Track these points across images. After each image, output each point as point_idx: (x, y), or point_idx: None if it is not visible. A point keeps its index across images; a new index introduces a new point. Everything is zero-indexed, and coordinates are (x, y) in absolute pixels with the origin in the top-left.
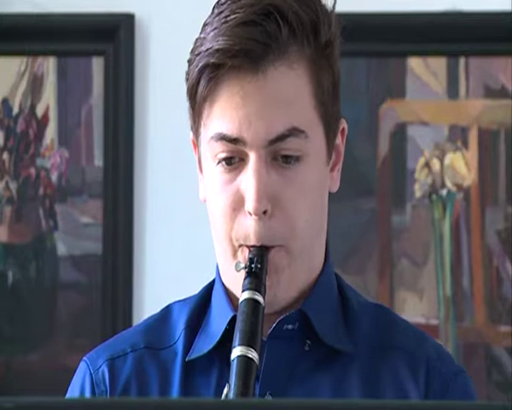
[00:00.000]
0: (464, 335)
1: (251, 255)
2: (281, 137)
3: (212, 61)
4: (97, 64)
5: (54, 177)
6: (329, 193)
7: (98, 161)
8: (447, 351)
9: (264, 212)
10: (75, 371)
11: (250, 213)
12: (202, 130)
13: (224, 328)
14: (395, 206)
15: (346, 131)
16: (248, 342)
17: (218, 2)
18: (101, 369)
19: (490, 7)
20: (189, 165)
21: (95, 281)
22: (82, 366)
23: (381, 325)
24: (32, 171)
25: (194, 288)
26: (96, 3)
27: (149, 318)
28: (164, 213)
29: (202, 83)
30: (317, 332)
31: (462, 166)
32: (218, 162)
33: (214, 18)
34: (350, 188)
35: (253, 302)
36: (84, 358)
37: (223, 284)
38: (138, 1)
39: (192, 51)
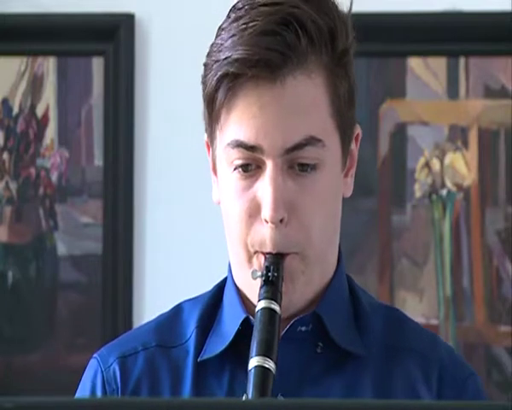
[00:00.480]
0: (464, 335)
1: (267, 263)
2: (298, 146)
3: (231, 70)
4: (97, 64)
5: (54, 177)
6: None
7: (98, 161)
8: (458, 353)
9: (281, 220)
10: (85, 368)
11: (266, 221)
12: (218, 135)
13: (236, 329)
14: (395, 206)
15: (361, 137)
16: (265, 352)
17: (234, 7)
18: (112, 367)
19: (490, 7)
20: (189, 165)
21: (95, 281)
22: (93, 364)
23: (392, 327)
24: (32, 171)
25: (194, 288)
26: (96, 3)
27: (160, 316)
28: (164, 213)
29: (221, 92)
30: (330, 334)
31: (462, 166)
32: (235, 169)
33: (231, 23)
34: None
35: (269, 312)
36: (95, 355)
37: (235, 284)
38: (138, 1)
39: (209, 55)
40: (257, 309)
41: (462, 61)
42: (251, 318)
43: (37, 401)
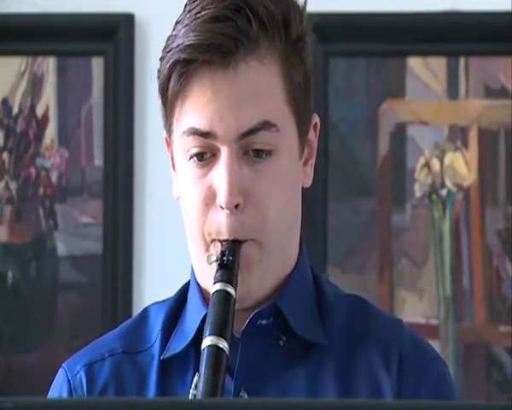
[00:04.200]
0: (464, 335)
1: (223, 248)
2: (252, 131)
3: (182, 56)
4: (97, 64)
5: (54, 177)
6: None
7: (98, 161)
8: (424, 340)
9: (236, 206)
10: (54, 378)
11: (222, 207)
12: (175, 127)
13: (197, 326)
14: (395, 206)
15: (319, 126)
16: (219, 332)
17: (189, 0)
18: (78, 374)
19: (490, 7)
20: None
21: (95, 281)
22: (60, 373)
23: (356, 316)
24: (32, 171)
25: None
26: (96, 3)
27: (127, 321)
28: (164, 212)
29: (173, 79)
30: (291, 326)
31: (461, 166)
32: (190, 158)
33: (185, 15)
34: (350, 188)
35: (224, 294)
36: (63, 364)
37: (197, 283)
38: (138, 1)
39: (164, 49)
40: (211, 292)
41: (462, 61)
42: None
43: (37, 402)
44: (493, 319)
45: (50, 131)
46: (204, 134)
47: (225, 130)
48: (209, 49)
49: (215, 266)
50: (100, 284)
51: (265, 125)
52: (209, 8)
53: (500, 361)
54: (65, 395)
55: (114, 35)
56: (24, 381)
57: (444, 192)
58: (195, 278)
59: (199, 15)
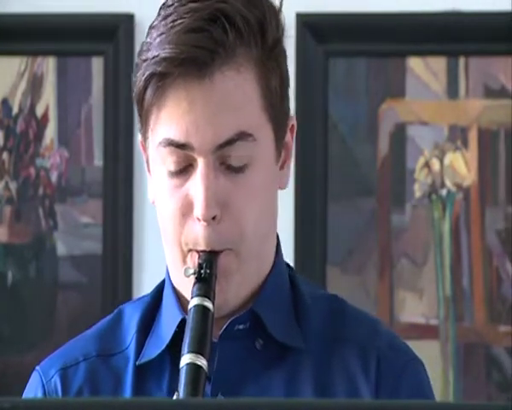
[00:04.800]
0: (464, 335)
1: (200, 261)
2: (229, 142)
3: (158, 69)
4: (97, 64)
5: (53, 177)
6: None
7: (98, 161)
8: (401, 341)
9: (214, 217)
10: (28, 381)
11: (199, 219)
12: (150, 135)
13: (173, 331)
14: (395, 206)
15: (296, 127)
16: (197, 349)
17: (164, 4)
18: (53, 379)
19: (490, 7)
20: None
21: (95, 281)
22: (35, 377)
23: (333, 317)
24: (32, 171)
25: None
26: (96, 3)
27: (101, 321)
28: None
29: (149, 91)
30: (269, 330)
31: (461, 166)
32: (167, 168)
33: (160, 22)
34: (350, 188)
35: (202, 309)
36: (37, 367)
37: (172, 285)
38: (138, 1)
39: (139, 55)
40: (189, 307)
41: (462, 61)
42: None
43: (35, 402)
44: (493, 319)
45: (50, 131)
46: (180, 145)
47: (201, 141)
48: (185, 63)
49: (192, 278)
50: (100, 284)
51: (242, 136)
52: (185, 18)
53: (500, 361)
54: None
55: (114, 35)
56: (23, 381)
57: (444, 192)
58: (171, 281)
59: (175, 25)
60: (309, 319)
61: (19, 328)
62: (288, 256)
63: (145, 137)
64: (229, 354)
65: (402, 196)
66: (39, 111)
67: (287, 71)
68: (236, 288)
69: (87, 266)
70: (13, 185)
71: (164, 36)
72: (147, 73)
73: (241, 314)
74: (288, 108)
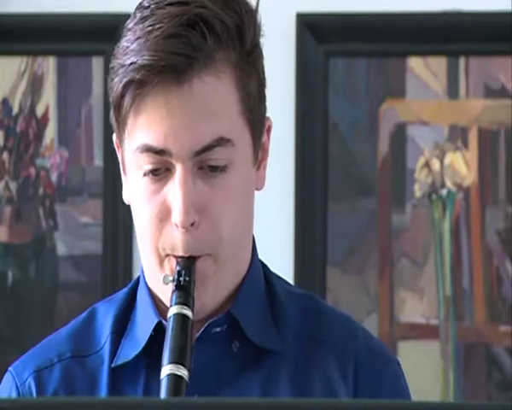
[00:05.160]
0: (464, 335)
1: (179, 268)
2: (207, 148)
3: (137, 77)
4: (97, 64)
5: (54, 177)
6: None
7: (98, 161)
8: (377, 340)
9: (192, 224)
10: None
11: (177, 225)
12: (126, 138)
13: (149, 334)
14: (395, 206)
15: (272, 128)
16: (178, 359)
17: (140, 5)
18: (27, 382)
19: (490, 7)
20: None
21: (95, 281)
22: (8, 378)
23: (308, 317)
24: (32, 171)
25: None
26: (96, 3)
27: (75, 321)
28: None
29: (127, 98)
30: (246, 332)
31: (462, 166)
32: (144, 173)
33: (137, 24)
34: (350, 188)
35: (181, 317)
36: (10, 368)
37: (147, 286)
38: (138, 1)
39: (115, 57)
40: (169, 315)
41: (462, 61)
42: (164, 322)
43: (34, 402)
44: (493, 319)
45: (50, 131)
46: (158, 151)
47: (180, 148)
48: (163, 70)
49: (171, 285)
50: (100, 284)
51: (221, 142)
52: (163, 24)
53: (500, 361)
54: None
55: (114, 35)
56: None
57: (444, 192)
58: (145, 281)
59: (152, 30)
60: (285, 317)
61: (19, 328)
62: (288, 256)
63: (121, 140)
64: (206, 357)
65: (402, 195)
66: (39, 111)
67: (263, 72)
68: (214, 292)
69: (87, 266)
70: (13, 185)
71: (141, 41)
72: (124, 79)
73: (219, 317)
74: (265, 110)
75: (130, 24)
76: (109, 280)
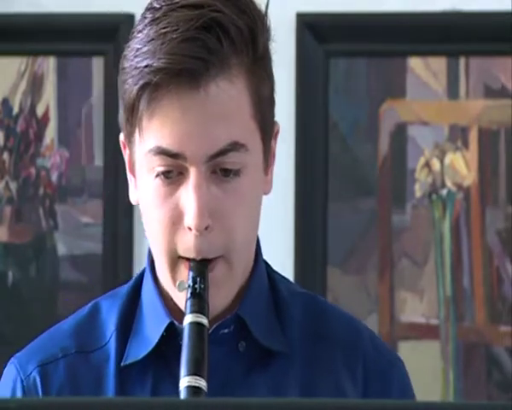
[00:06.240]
0: (464, 335)
1: (193, 274)
2: (221, 153)
3: (154, 80)
4: (97, 64)
5: (54, 177)
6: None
7: (98, 161)
8: (380, 339)
9: (206, 227)
10: (2, 374)
11: (190, 229)
12: (137, 139)
13: (160, 334)
14: (395, 206)
15: (279, 133)
16: (196, 371)
17: (151, 6)
18: (32, 375)
19: (490, 7)
20: None
21: (95, 281)
22: (11, 371)
23: (313, 314)
24: (32, 171)
25: None
26: (96, 3)
27: (77, 314)
28: None
29: (143, 101)
30: (253, 333)
31: (462, 166)
32: (157, 175)
33: (149, 26)
34: (350, 188)
35: (198, 327)
36: (13, 360)
37: (155, 282)
38: (138, 1)
39: (126, 59)
40: (184, 323)
41: (462, 61)
42: (175, 322)
43: (40, 401)
44: (493, 319)
45: (50, 131)
46: (172, 155)
47: (194, 151)
48: (180, 73)
49: (185, 291)
50: (100, 284)
51: (235, 146)
52: (178, 27)
53: (500, 361)
54: (19, 394)
55: (114, 35)
56: None
57: (444, 192)
58: (152, 277)
59: (167, 32)
60: (289, 316)
61: (19, 328)
62: (288, 256)
63: (130, 140)
64: (213, 358)
65: (402, 195)
66: (40, 111)
67: (273, 76)
68: (226, 294)
69: (87, 266)
70: (13, 185)
71: (156, 43)
72: (140, 82)
73: (227, 319)
74: (274, 115)
75: (140, 25)
76: (109, 280)
